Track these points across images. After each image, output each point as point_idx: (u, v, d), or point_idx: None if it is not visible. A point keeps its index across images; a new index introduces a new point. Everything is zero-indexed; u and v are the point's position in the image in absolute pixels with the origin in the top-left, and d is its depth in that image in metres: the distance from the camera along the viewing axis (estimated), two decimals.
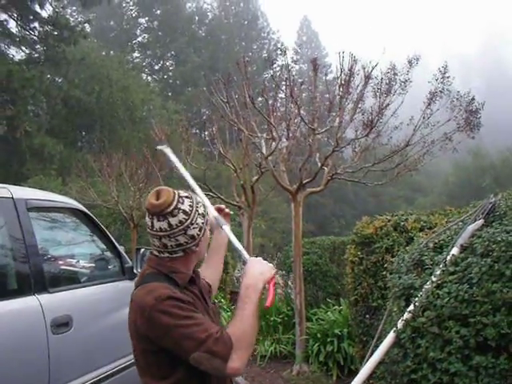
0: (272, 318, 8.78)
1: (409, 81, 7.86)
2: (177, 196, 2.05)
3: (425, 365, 2.59)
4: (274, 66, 10.78)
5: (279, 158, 7.99)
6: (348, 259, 6.11)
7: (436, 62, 8.36)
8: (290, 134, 7.94)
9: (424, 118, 7.70)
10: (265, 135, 8.52)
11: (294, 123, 7.98)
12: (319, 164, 7.79)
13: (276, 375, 7.51)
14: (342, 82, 7.06)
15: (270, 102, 8.41)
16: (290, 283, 9.94)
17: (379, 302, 5.50)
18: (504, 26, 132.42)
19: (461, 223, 3.15)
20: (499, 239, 2.59)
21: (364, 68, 7.38)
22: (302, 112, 7.76)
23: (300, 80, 9.01)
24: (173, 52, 49.85)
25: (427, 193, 39.83)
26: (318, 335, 7.40)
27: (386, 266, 5.30)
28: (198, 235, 2.06)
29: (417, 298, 2.71)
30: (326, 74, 10.02)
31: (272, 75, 8.22)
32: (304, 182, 7.56)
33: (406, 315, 2.68)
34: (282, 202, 25.31)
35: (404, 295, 2.94)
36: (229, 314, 9.83)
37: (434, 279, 2.71)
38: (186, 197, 2.08)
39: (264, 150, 8.24)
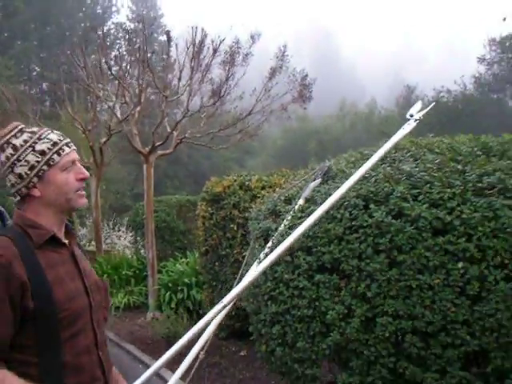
0: (124, 272, 9.37)
1: (250, 54, 8.80)
2: (16, 130, 1.76)
3: (281, 284, 3.48)
4: (109, 23, 11.10)
5: (132, 122, 8.50)
6: (199, 215, 6.96)
7: (275, 41, 9.39)
8: (142, 100, 8.46)
9: (266, 90, 8.69)
10: (114, 98, 8.91)
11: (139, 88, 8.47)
12: (169, 129, 8.46)
13: (131, 322, 8.20)
14: (194, 55, 7.73)
15: (104, 60, 8.75)
16: (138, 239, 10.51)
17: (227, 251, 6.48)
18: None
19: (304, 181, 4.06)
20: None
21: (213, 42, 8.13)
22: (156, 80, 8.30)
23: (136, 45, 9.39)
24: (0, 3, 46.11)
25: (257, 155, 41.65)
26: (169, 285, 8.13)
27: (234, 219, 6.28)
28: (28, 175, 1.70)
29: (273, 237, 3.57)
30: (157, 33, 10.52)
31: (104, 32, 8.62)
32: (156, 144, 8.20)
33: (266, 249, 3.53)
34: (123, 165, 25.49)
35: (263, 236, 3.81)
36: None
37: (285, 223, 3.59)
38: (32, 131, 1.76)
39: (119, 114, 8.66)
